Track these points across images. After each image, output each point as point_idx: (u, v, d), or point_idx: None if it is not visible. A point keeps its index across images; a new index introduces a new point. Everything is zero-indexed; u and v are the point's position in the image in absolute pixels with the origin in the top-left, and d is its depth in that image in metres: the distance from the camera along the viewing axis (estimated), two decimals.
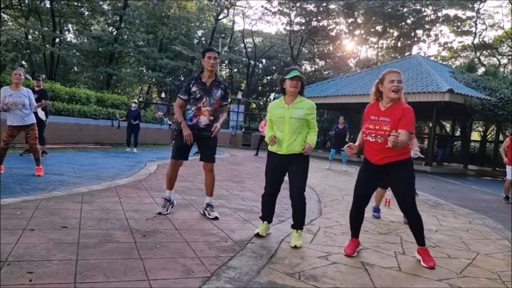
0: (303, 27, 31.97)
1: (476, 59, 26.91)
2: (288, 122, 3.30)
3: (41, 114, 7.39)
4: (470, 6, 28.73)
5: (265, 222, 3.54)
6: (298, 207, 3.33)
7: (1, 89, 5.77)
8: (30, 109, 5.73)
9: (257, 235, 3.43)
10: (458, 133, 22.12)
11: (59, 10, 23.10)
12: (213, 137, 3.99)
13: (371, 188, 3.25)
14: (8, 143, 5.63)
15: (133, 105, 12.18)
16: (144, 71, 29.11)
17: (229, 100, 4.22)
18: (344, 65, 33.67)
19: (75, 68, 30.09)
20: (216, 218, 3.98)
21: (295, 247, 3.23)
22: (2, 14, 21.80)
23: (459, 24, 30.79)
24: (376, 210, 4.77)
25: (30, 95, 5.81)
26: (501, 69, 28.66)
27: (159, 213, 3.96)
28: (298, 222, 3.34)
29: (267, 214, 3.54)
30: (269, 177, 3.48)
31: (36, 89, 7.85)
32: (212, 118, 3.94)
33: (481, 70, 24.26)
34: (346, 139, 11.77)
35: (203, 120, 3.92)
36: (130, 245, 2.92)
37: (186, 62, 29.14)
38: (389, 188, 4.90)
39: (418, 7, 29.73)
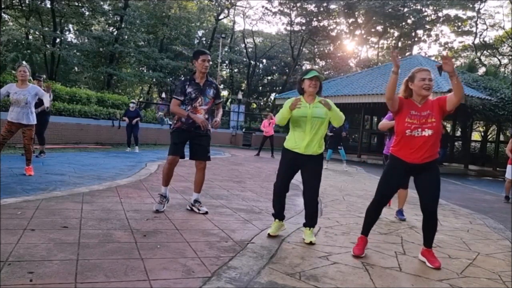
0: (303, 27, 31.93)
1: (476, 59, 26.93)
2: (310, 120, 3.34)
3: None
4: (471, 6, 28.67)
5: (277, 220, 3.57)
6: (312, 208, 3.43)
7: (8, 84, 5.80)
8: (31, 109, 5.68)
9: (268, 236, 3.45)
10: (458, 133, 22.12)
11: (59, 10, 23.08)
12: (207, 136, 4.17)
13: (398, 189, 3.23)
14: (6, 138, 5.61)
15: (131, 105, 12.14)
16: (145, 71, 29.06)
17: (222, 98, 4.38)
18: (344, 65, 33.65)
19: (76, 68, 30.05)
20: (206, 212, 4.13)
21: (311, 243, 3.33)
22: (2, 14, 21.81)
23: (459, 24, 30.76)
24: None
25: (38, 91, 5.78)
26: (502, 69, 28.64)
27: (156, 211, 4.05)
28: (312, 221, 3.45)
29: (279, 211, 3.56)
30: (282, 173, 3.48)
31: None
32: (207, 116, 4.17)
33: (481, 70, 24.29)
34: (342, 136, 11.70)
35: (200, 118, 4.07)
36: (130, 245, 2.92)
37: (187, 62, 29.07)
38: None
39: (418, 7, 29.67)
